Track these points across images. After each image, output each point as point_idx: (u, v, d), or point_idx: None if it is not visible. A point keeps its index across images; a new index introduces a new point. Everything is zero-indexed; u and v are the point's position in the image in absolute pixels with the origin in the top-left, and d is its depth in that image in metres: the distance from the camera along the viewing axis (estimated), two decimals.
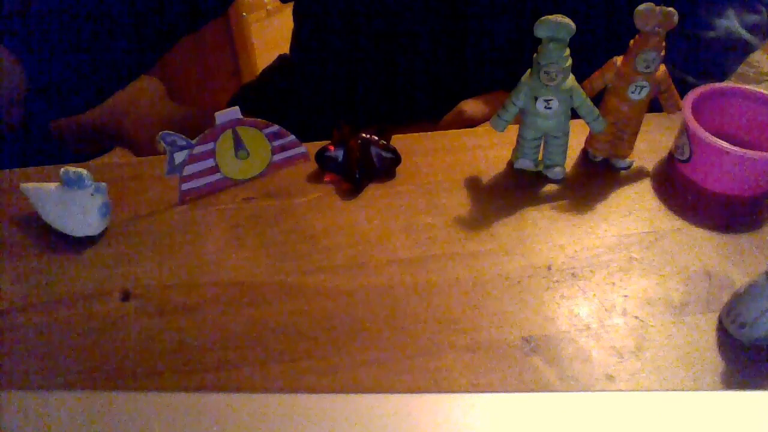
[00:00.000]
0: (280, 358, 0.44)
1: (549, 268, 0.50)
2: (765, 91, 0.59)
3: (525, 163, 0.58)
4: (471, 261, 0.51)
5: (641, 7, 0.49)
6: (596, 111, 0.54)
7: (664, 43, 0.51)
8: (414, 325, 0.46)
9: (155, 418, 0.39)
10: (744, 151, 0.53)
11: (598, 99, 0.56)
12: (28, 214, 0.54)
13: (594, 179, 0.58)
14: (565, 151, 0.56)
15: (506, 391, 0.42)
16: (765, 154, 0.53)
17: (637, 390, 0.42)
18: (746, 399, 0.41)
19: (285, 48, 0.92)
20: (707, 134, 0.54)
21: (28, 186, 0.52)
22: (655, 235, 0.53)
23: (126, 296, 0.48)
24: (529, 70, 0.53)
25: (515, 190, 0.57)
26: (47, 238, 0.52)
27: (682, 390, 0.42)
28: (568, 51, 0.50)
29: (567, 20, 0.48)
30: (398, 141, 0.63)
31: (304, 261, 0.51)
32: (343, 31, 0.76)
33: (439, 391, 0.42)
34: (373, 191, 0.57)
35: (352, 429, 0.39)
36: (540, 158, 0.58)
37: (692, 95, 0.57)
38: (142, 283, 0.49)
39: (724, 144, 0.53)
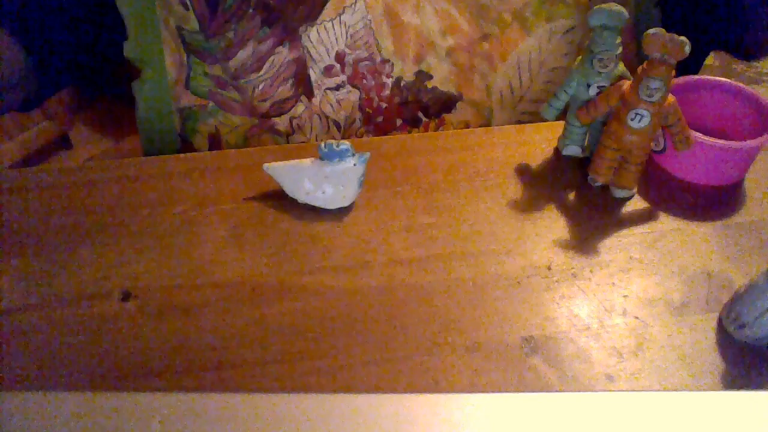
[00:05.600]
0: (280, 358, 0.44)
1: (549, 268, 0.50)
2: (734, 82, 0.60)
3: (573, 150, 0.58)
4: (471, 261, 0.51)
5: (650, 31, 0.47)
6: None
7: (673, 73, 0.49)
8: (414, 325, 0.46)
9: (155, 418, 0.39)
10: (716, 141, 0.54)
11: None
12: (28, 214, 0.54)
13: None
14: None
15: (506, 391, 0.42)
16: (735, 143, 0.54)
17: (637, 390, 0.42)
18: (746, 399, 0.41)
19: None
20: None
21: (275, 165, 0.54)
22: (655, 235, 0.53)
23: (126, 296, 0.48)
24: (579, 57, 0.54)
25: (515, 190, 0.57)
26: (47, 238, 0.52)
27: (682, 390, 0.42)
28: (620, 38, 0.51)
29: (620, 8, 0.49)
30: (398, 141, 0.63)
31: (304, 261, 0.51)
32: None
33: (439, 391, 0.42)
34: (372, 192, 0.57)
35: (352, 429, 0.39)
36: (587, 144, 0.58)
37: None
38: (142, 283, 0.49)
39: (698, 135, 0.54)
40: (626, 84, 0.52)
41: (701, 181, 0.57)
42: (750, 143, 0.54)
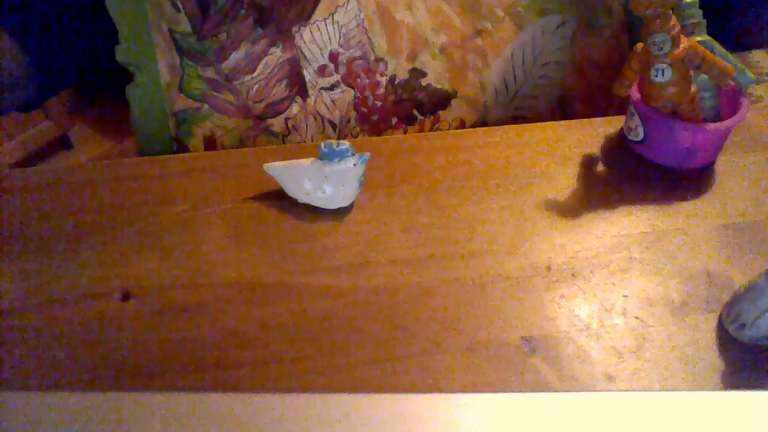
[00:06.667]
0: (280, 358, 0.44)
1: (549, 268, 0.50)
2: None
3: None
4: (471, 261, 0.51)
5: None
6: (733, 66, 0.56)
7: (674, 21, 0.52)
8: (414, 325, 0.46)
9: (155, 418, 0.39)
10: (697, 125, 0.56)
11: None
12: (28, 214, 0.54)
13: (594, 180, 0.58)
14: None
15: (506, 391, 0.42)
16: (715, 125, 0.56)
17: (637, 390, 0.42)
18: (746, 399, 0.41)
19: None
20: (661, 114, 0.56)
21: (275, 164, 0.54)
22: (655, 235, 0.53)
23: (126, 296, 0.48)
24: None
25: (515, 189, 0.57)
26: (47, 238, 0.52)
27: (682, 390, 0.42)
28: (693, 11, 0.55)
29: None
30: (397, 141, 0.63)
31: (304, 261, 0.51)
32: None
33: (439, 391, 0.42)
34: (372, 192, 0.57)
35: (352, 429, 0.39)
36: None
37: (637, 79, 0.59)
38: (142, 283, 0.49)
39: (678, 122, 0.56)
40: (639, 47, 0.54)
41: (676, 164, 0.59)
42: (722, 124, 0.56)
